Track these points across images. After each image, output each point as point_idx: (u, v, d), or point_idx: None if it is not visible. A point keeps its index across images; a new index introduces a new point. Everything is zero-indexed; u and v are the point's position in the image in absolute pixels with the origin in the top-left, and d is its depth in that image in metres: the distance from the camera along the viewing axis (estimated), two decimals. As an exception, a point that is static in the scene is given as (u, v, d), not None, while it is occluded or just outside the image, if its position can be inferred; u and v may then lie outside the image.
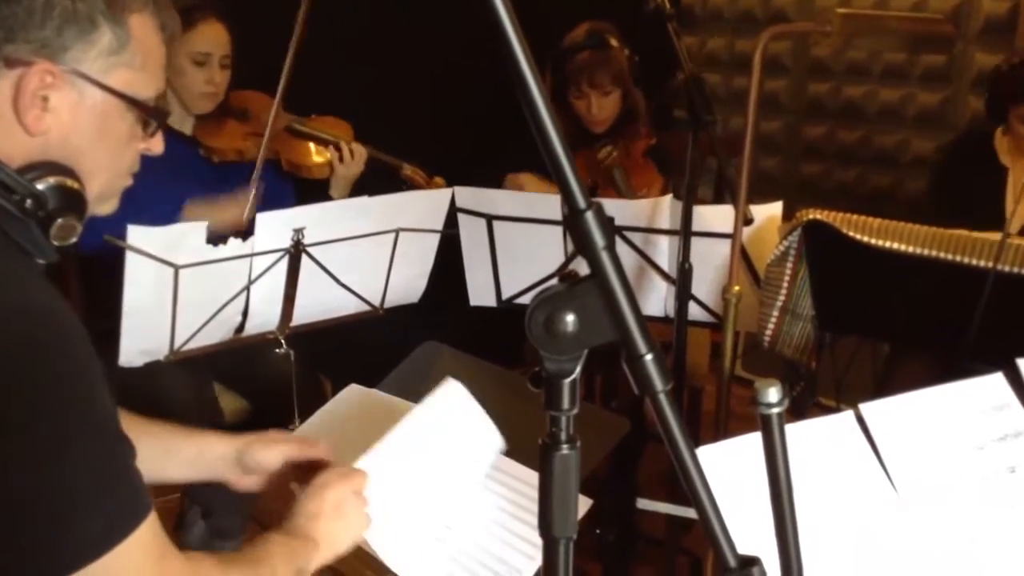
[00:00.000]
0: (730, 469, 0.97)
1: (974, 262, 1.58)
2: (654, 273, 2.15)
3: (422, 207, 2.06)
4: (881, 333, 1.96)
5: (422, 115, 3.16)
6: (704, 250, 1.99)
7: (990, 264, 1.56)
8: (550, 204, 2.07)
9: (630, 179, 2.68)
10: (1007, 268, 1.57)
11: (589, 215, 0.67)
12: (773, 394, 0.67)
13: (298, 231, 1.86)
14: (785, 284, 1.84)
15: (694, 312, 2.08)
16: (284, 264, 1.89)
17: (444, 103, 3.26)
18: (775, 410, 0.68)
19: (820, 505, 1.02)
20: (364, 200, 1.96)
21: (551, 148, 0.66)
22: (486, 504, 1.31)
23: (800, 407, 1.96)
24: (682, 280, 1.96)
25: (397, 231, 2.01)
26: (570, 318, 0.68)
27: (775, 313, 1.86)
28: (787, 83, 3.76)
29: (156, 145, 1.13)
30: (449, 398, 1.34)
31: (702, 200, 2.14)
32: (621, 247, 2.12)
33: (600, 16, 2.70)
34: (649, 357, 0.68)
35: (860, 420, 1.08)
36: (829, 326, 1.93)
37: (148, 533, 0.96)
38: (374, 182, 2.43)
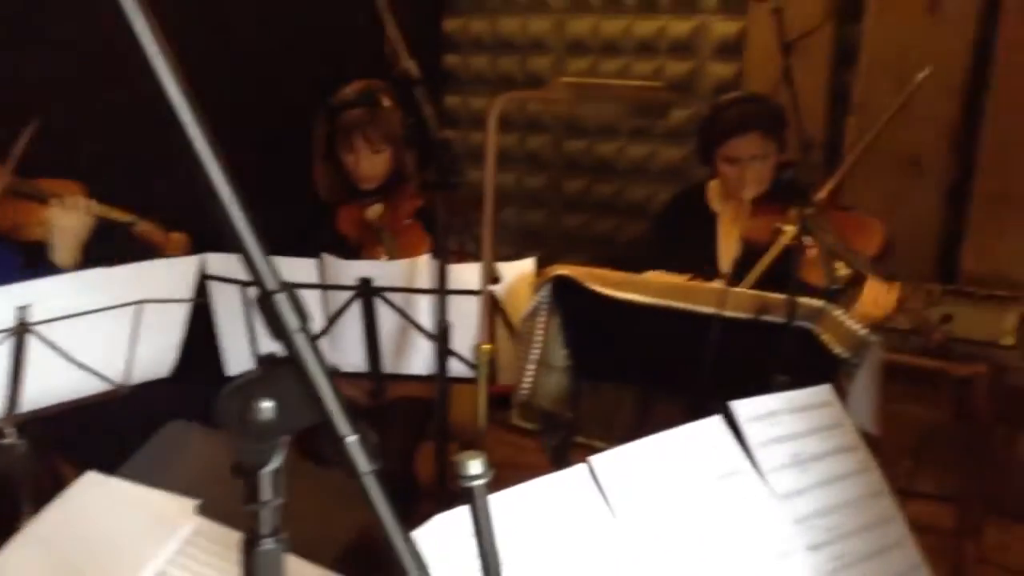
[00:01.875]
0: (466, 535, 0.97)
1: (700, 309, 1.71)
2: (417, 332, 2.16)
3: (166, 276, 1.95)
4: (629, 379, 2.06)
5: (166, 168, 3.02)
6: (462, 307, 2.02)
7: (714, 310, 1.69)
8: (304, 269, 2.04)
9: (396, 239, 2.69)
10: (729, 313, 1.71)
11: (281, 297, 0.65)
12: (475, 466, 0.68)
13: (22, 309, 1.71)
14: (539, 337, 1.90)
15: (458, 368, 2.10)
16: (7, 346, 1.73)
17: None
18: (478, 482, 0.68)
19: (556, 559, 1.04)
20: (99, 272, 1.84)
21: (238, 229, 0.64)
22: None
23: (560, 456, 2.02)
24: (441, 338, 1.98)
25: (139, 303, 1.89)
26: (267, 404, 0.66)
27: (531, 366, 1.91)
28: (547, 141, 3.94)
29: None
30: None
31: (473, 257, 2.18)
32: (383, 308, 2.12)
33: (373, 75, 2.71)
34: (351, 439, 0.67)
35: (592, 472, 1.12)
36: (584, 375, 2.01)
37: None
38: (106, 243, 2.27)
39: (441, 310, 1.96)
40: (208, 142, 0.61)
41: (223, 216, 0.63)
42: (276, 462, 0.67)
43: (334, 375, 2.13)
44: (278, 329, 0.66)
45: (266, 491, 0.67)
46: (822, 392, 1.38)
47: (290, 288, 0.66)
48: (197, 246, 2.35)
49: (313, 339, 0.67)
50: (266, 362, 0.68)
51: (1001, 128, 2.99)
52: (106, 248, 2.24)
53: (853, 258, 2.13)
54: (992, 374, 2.67)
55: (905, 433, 2.97)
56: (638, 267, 2.13)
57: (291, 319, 0.65)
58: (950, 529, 2.76)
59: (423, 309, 2.15)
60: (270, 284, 0.65)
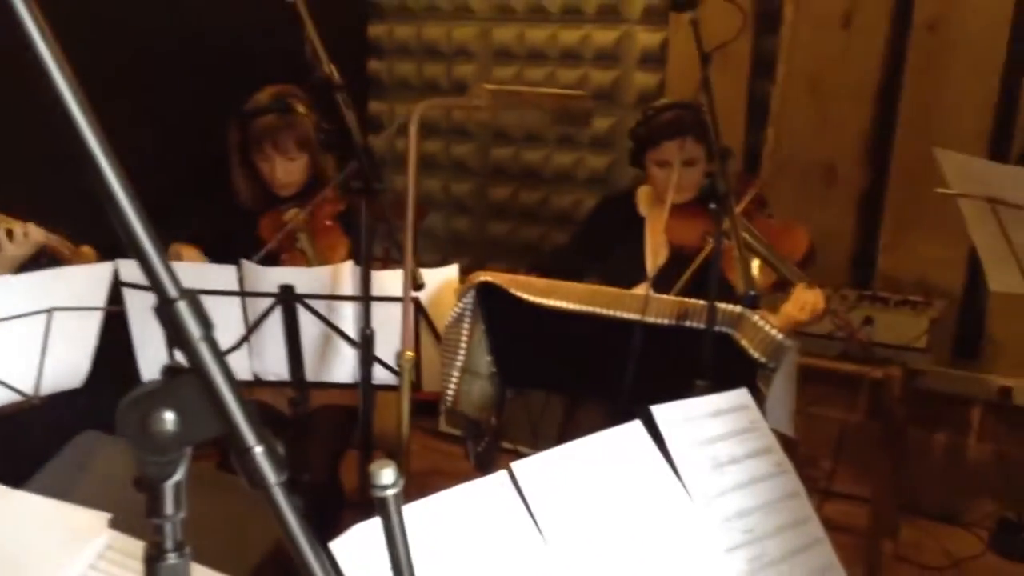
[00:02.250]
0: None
1: (623, 315, 1.72)
2: (340, 340, 2.13)
3: (78, 283, 1.89)
4: (553, 385, 2.07)
5: (71, 179, 2.92)
6: (386, 314, 2.00)
7: (637, 316, 1.71)
8: (225, 275, 1.99)
9: (315, 243, 2.65)
10: (651, 319, 1.73)
11: (181, 305, 0.63)
12: (387, 476, 0.67)
13: (-80, 318, 1.64)
14: (463, 345, 1.89)
15: (382, 375, 2.08)
16: (-96, 357, 1.65)
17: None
18: (390, 492, 0.67)
19: (476, 566, 1.04)
20: (7, 279, 1.77)
21: (133, 232, 0.62)
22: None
23: (485, 462, 2.02)
24: (365, 345, 1.96)
25: (50, 311, 1.83)
26: (169, 415, 0.64)
27: (455, 373, 1.90)
28: (473, 148, 3.94)
29: None
30: None
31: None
32: (305, 315, 2.09)
33: (289, 81, 2.67)
34: (258, 450, 0.65)
35: (512, 478, 1.11)
36: (509, 381, 2.01)
37: None
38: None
39: (365, 317, 1.94)
40: (101, 140, 0.59)
41: (120, 220, 0.61)
42: (179, 474, 0.65)
43: (256, 384, 2.09)
44: (180, 338, 0.64)
45: (169, 504, 0.65)
46: (739, 396, 1.40)
47: (191, 295, 0.64)
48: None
49: (217, 348, 0.65)
50: (168, 372, 0.66)
51: (913, 137, 3.10)
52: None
53: (782, 264, 2.18)
54: (905, 377, 2.76)
55: (824, 435, 3.05)
56: (565, 271, 2.14)
57: (193, 328, 0.64)
58: (867, 528, 2.84)
59: (346, 316, 2.12)
60: (170, 291, 0.63)
